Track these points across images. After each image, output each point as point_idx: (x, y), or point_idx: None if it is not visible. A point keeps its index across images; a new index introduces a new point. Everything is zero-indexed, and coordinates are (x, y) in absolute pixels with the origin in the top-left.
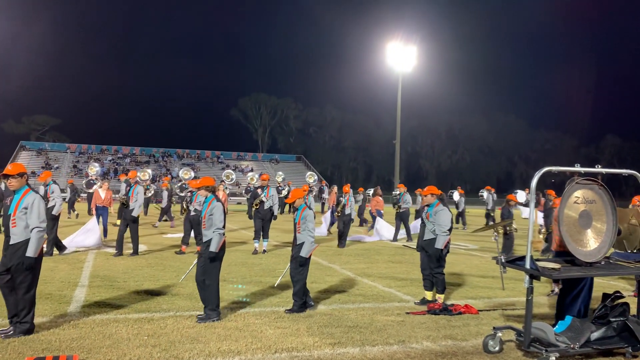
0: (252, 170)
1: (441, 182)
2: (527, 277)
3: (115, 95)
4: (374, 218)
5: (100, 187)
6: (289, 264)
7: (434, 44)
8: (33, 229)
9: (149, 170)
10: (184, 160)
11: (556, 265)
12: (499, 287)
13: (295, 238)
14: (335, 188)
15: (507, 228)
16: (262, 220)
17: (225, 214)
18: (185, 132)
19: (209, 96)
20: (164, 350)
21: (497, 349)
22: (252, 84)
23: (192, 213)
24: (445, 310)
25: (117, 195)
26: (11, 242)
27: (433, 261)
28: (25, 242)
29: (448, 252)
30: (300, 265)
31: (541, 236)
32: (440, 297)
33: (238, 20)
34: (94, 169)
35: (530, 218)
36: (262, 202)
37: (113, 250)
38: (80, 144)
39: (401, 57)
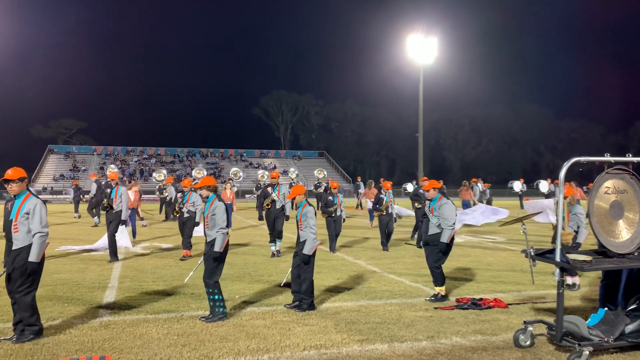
0: (275, 167)
1: (466, 174)
2: (558, 270)
3: (139, 97)
4: (370, 211)
5: (130, 189)
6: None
7: (455, 35)
8: (35, 234)
9: (164, 171)
10: (208, 160)
11: (587, 258)
12: (528, 280)
13: (298, 235)
14: (373, 183)
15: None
16: (275, 221)
17: (228, 212)
18: (209, 132)
19: (231, 95)
20: (194, 350)
21: (528, 343)
22: (273, 81)
23: (186, 215)
24: (474, 304)
25: (88, 196)
26: (14, 248)
27: (433, 255)
28: (28, 247)
29: (452, 246)
30: (304, 263)
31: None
32: (442, 290)
33: (258, 18)
34: (112, 171)
35: (559, 210)
36: (273, 201)
37: (142, 251)
38: (107, 146)
39: (422, 49)
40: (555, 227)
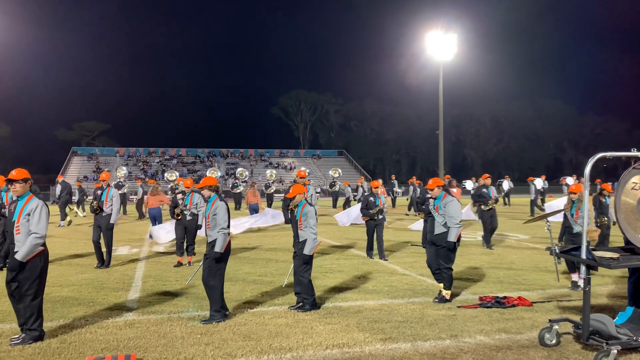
0: (294, 167)
1: (487, 170)
2: (584, 268)
3: (160, 99)
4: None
5: (153, 194)
6: (292, 264)
7: (475, 31)
8: (32, 234)
9: (176, 173)
10: (229, 160)
11: (614, 255)
12: (553, 278)
13: (296, 235)
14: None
15: (597, 220)
16: None
17: (229, 212)
18: (229, 132)
19: (250, 95)
20: (217, 348)
21: (554, 342)
22: (292, 81)
23: (188, 217)
24: (498, 303)
25: (75, 198)
26: (16, 249)
27: (443, 256)
28: None
29: (459, 245)
30: (304, 263)
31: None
32: (447, 293)
33: (277, 18)
34: (122, 172)
35: (585, 207)
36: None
37: (163, 250)
38: (129, 148)
39: (441, 46)
40: (562, 225)
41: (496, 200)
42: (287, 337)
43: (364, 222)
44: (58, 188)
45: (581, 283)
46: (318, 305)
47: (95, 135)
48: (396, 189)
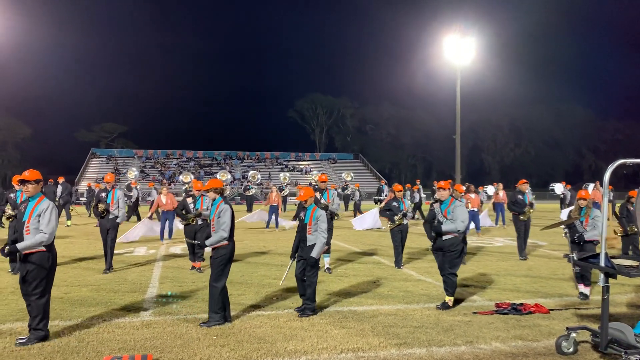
0: (310, 170)
1: (505, 176)
2: (603, 276)
3: (178, 102)
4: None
5: (161, 192)
6: (290, 262)
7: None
8: (41, 233)
9: (191, 175)
10: (245, 162)
11: (634, 263)
12: (571, 285)
13: (304, 239)
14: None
15: (628, 228)
16: None
17: (233, 218)
18: (245, 135)
19: (266, 99)
20: (233, 350)
21: (571, 350)
22: (308, 84)
23: (200, 222)
24: (514, 309)
25: (82, 199)
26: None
27: (449, 261)
28: (40, 249)
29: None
30: (311, 266)
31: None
32: (450, 300)
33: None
34: (132, 173)
35: (604, 213)
36: (325, 207)
37: (180, 251)
38: (147, 150)
39: (459, 50)
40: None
41: (531, 205)
42: (302, 340)
43: (381, 227)
44: (59, 189)
45: (587, 292)
46: (316, 311)
47: (114, 137)
48: (421, 193)
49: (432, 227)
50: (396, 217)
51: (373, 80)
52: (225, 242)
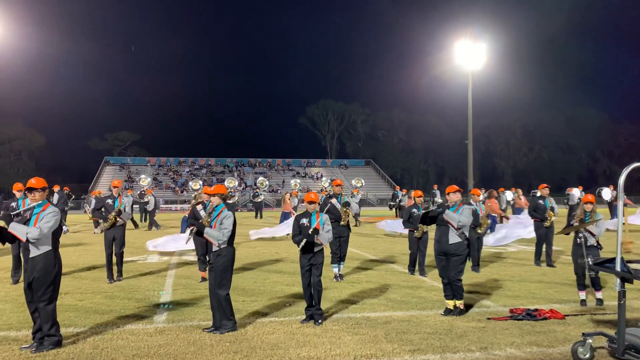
0: (321, 176)
1: (518, 181)
2: (619, 280)
3: (189, 109)
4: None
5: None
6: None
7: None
8: (37, 227)
9: (200, 182)
10: (257, 169)
11: None
12: (586, 291)
13: (312, 245)
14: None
15: None
16: (340, 238)
17: (235, 225)
18: (257, 142)
19: (278, 106)
20: (246, 356)
21: (587, 356)
22: (319, 91)
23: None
24: (529, 315)
25: (88, 208)
26: (31, 255)
27: (454, 266)
28: (45, 255)
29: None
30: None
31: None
32: (461, 303)
33: (303, 29)
34: (145, 181)
35: (619, 217)
36: (347, 204)
37: (192, 259)
38: (159, 157)
39: (470, 55)
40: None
41: (552, 209)
42: (315, 346)
43: (405, 232)
44: (55, 197)
45: (600, 296)
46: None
47: (127, 145)
48: (437, 198)
49: (430, 212)
50: (418, 225)
51: (384, 86)
52: (217, 243)
